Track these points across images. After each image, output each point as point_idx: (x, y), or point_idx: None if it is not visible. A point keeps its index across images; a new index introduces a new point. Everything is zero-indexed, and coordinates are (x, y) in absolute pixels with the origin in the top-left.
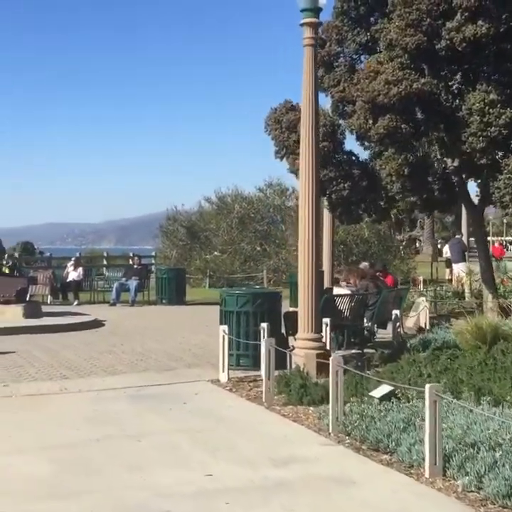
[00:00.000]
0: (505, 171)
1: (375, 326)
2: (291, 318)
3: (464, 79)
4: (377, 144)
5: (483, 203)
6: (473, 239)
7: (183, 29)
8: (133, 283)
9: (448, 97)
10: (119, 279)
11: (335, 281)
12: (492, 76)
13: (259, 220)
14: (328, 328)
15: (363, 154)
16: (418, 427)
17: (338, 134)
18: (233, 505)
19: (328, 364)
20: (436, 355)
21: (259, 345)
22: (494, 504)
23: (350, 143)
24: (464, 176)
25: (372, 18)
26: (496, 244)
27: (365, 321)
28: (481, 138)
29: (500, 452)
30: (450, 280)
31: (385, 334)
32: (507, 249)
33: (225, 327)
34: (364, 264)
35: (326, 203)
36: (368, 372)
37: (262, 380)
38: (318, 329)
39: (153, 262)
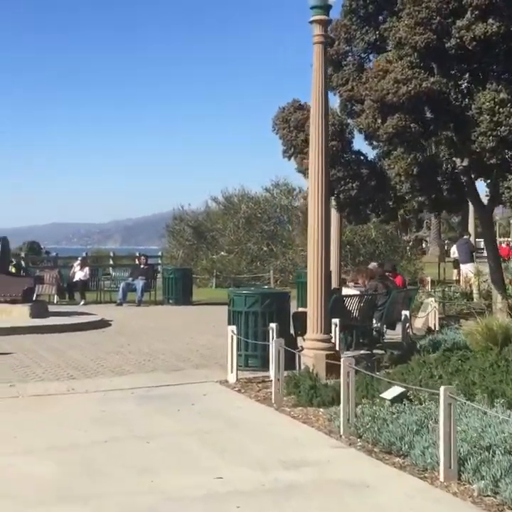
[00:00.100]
0: None
1: (384, 326)
2: (300, 319)
3: (474, 78)
4: (385, 144)
5: (493, 203)
6: (479, 239)
7: (183, 29)
8: (140, 283)
9: (457, 96)
10: (126, 279)
11: (342, 282)
12: (502, 75)
13: (265, 220)
14: (337, 328)
15: (371, 154)
16: (431, 430)
17: (347, 133)
18: (244, 509)
19: (338, 365)
20: (447, 357)
21: (268, 345)
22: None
23: (358, 142)
24: (473, 176)
25: (380, 17)
26: (504, 245)
27: (374, 321)
28: (490, 137)
29: None
30: (458, 281)
31: (393, 335)
32: None
33: (234, 327)
34: (373, 265)
35: (333, 202)
36: (377, 373)
37: (270, 380)
38: (327, 330)
39: (159, 261)
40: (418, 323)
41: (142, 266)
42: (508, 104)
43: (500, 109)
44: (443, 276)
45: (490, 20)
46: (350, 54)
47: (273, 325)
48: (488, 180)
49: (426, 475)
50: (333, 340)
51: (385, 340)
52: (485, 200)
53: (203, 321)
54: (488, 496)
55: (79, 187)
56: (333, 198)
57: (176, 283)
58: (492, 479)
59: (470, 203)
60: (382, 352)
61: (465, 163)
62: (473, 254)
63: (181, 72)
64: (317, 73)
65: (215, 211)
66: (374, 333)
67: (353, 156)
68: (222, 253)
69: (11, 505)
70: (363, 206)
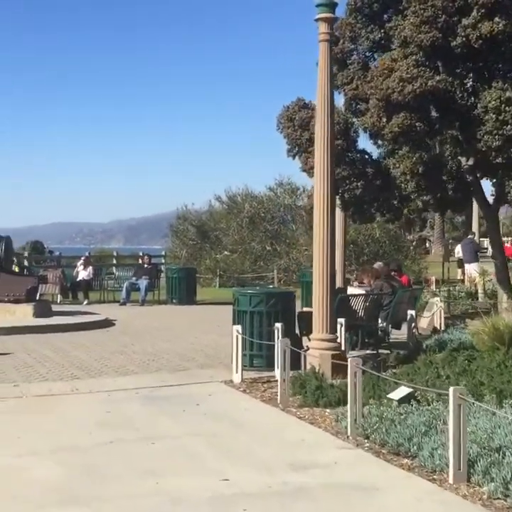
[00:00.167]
0: None
1: (390, 326)
2: (305, 318)
3: (480, 76)
4: (390, 143)
5: (498, 202)
6: (482, 239)
7: (183, 29)
8: (143, 282)
9: (463, 94)
10: (129, 279)
11: (346, 282)
12: (508, 73)
13: (269, 220)
14: (342, 328)
15: (376, 153)
16: (440, 431)
17: (351, 132)
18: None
19: (344, 365)
20: (454, 357)
21: (273, 345)
22: None
23: (363, 141)
24: (478, 175)
25: (386, 15)
26: (508, 244)
27: (379, 321)
28: (496, 136)
29: None
30: (462, 280)
31: (399, 335)
32: None
33: (239, 327)
34: (378, 264)
35: (338, 201)
36: (383, 373)
37: (275, 380)
38: (333, 329)
39: (162, 261)
40: (423, 322)
41: (146, 265)
42: None
43: (506, 108)
44: (447, 275)
45: (496, 19)
46: (354, 52)
47: (278, 325)
48: (494, 180)
49: (435, 477)
50: (338, 340)
51: (391, 340)
52: (490, 199)
53: (207, 320)
54: (498, 498)
55: (80, 187)
56: (337, 197)
57: (179, 283)
58: (502, 481)
59: (474, 203)
60: (388, 352)
61: (470, 162)
62: (478, 253)
63: (181, 72)
64: (323, 71)
65: (218, 210)
66: (379, 332)
67: (358, 155)
68: (226, 252)
69: (15, 508)
70: (367, 205)
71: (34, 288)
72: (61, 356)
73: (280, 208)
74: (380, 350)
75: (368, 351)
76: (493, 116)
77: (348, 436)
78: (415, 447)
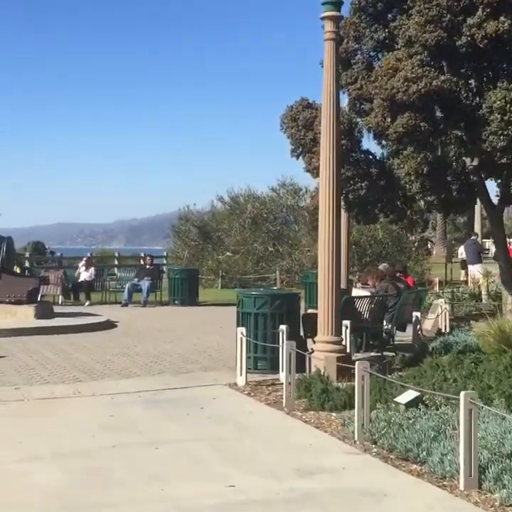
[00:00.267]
0: None
1: (394, 328)
2: (310, 320)
3: (485, 76)
4: (395, 143)
5: (503, 203)
6: (485, 240)
7: (183, 29)
8: (145, 283)
9: (468, 94)
10: (131, 280)
11: (349, 283)
12: None
13: (272, 221)
14: (348, 330)
15: (380, 153)
16: (449, 436)
17: (356, 132)
18: None
19: (350, 368)
20: (460, 359)
21: (277, 347)
22: None
23: (366, 141)
24: (483, 176)
25: (390, 15)
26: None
27: (384, 323)
28: (501, 137)
29: None
30: (465, 281)
31: (403, 337)
32: None
33: (243, 329)
34: (383, 265)
35: (342, 202)
36: (389, 376)
37: (280, 383)
38: (338, 332)
39: (164, 262)
40: (427, 324)
41: (148, 266)
42: None
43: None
44: (450, 276)
45: (501, 18)
46: (359, 52)
47: (283, 327)
48: (499, 180)
49: (445, 483)
50: (343, 343)
51: (395, 342)
52: (495, 200)
53: (210, 322)
54: (510, 505)
55: (81, 187)
56: (341, 197)
57: (182, 283)
58: None
59: (476, 204)
60: (393, 354)
61: (475, 162)
62: (481, 254)
63: (182, 72)
64: (328, 70)
65: (220, 211)
66: (384, 334)
67: (362, 155)
68: (228, 253)
69: None
70: (371, 206)
71: (35, 289)
72: (63, 358)
73: (283, 208)
74: (385, 353)
75: (372, 353)
76: (498, 116)
77: (355, 441)
78: (424, 453)
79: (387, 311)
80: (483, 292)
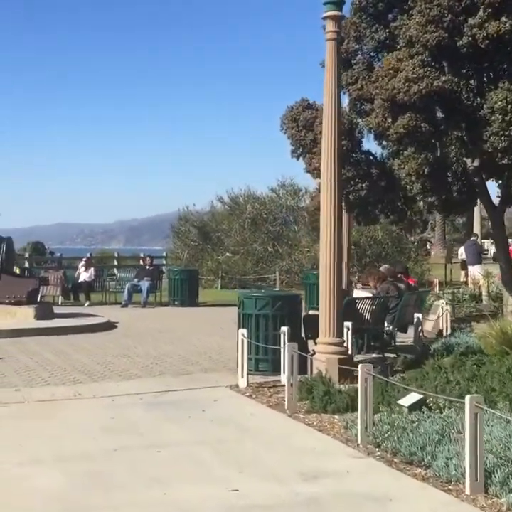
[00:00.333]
0: None
1: (395, 329)
2: (311, 322)
3: (486, 77)
4: (395, 143)
5: (504, 204)
6: (484, 240)
7: (183, 29)
8: (145, 284)
9: (469, 95)
10: (131, 280)
11: (349, 284)
12: None
13: (271, 221)
14: (349, 332)
15: (381, 153)
16: (454, 440)
17: (356, 132)
18: None
19: (352, 370)
20: (462, 361)
21: (279, 349)
22: None
23: (367, 142)
24: (484, 176)
25: (391, 15)
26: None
27: (385, 324)
28: (502, 137)
29: None
30: (465, 282)
31: (404, 338)
32: None
33: (245, 331)
34: (385, 267)
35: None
36: (391, 378)
37: (281, 385)
38: (339, 333)
39: (164, 262)
40: (428, 325)
41: (148, 267)
42: None
43: None
44: (449, 277)
45: (503, 18)
46: (359, 52)
47: (285, 328)
48: (500, 181)
49: (450, 487)
50: (345, 344)
51: (396, 344)
52: (496, 201)
53: (210, 322)
54: None
55: (81, 187)
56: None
57: (182, 284)
58: None
59: (476, 205)
60: (394, 355)
61: (476, 163)
62: (481, 255)
63: (182, 73)
64: (330, 70)
65: (220, 212)
66: (385, 336)
67: (363, 156)
68: (228, 254)
69: None
70: (371, 207)
71: (35, 290)
72: (63, 360)
73: (282, 209)
74: (386, 354)
75: (373, 355)
76: (500, 117)
77: (358, 444)
78: (429, 456)
79: (389, 313)
80: (484, 293)
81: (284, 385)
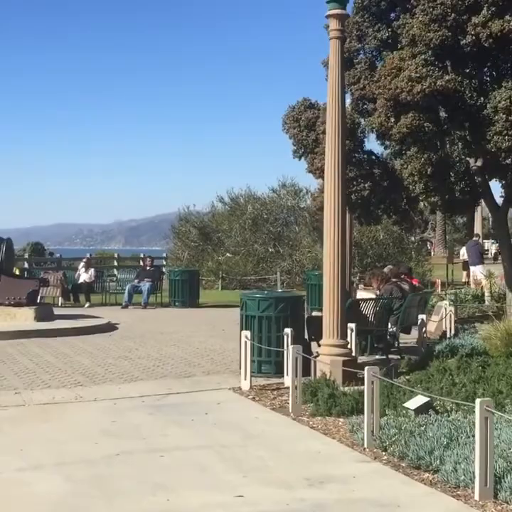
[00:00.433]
0: None
1: (399, 330)
2: (315, 323)
3: (490, 76)
4: (398, 143)
5: (508, 204)
6: (485, 241)
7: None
8: (146, 285)
9: (472, 94)
10: (132, 281)
11: (350, 285)
12: None
13: (272, 221)
14: (353, 333)
15: (384, 153)
16: (462, 444)
17: (358, 132)
18: None
19: (356, 372)
20: (468, 363)
21: (282, 351)
22: None
23: (369, 142)
24: (487, 176)
25: (393, 14)
26: None
27: (389, 325)
28: (506, 137)
29: None
30: (467, 283)
31: (407, 339)
32: None
33: (248, 333)
34: (388, 268)
35: None
36: (396, 380)
37: (285, 387)
38: (343, 335)
39: (164, 263)
40: (431, 326)
41: (148, 268)
42: None
43: None
44: (451, 278)
45: (507, 17)
46: (361, 52)
47: (288, 330)
48: (503, 181)
49: (459, 493)
50: (349, 346)
51: (400, 345)
52: (499, 200)
53: (211, 323)
54: None
55: (79, 187)
56: None
57: (182, 285)
58: None
59: (479, 205)
60: (397, 357)
61: (479, 163)
62: (483, 255)
63: (182, 72)
64: (333, 69)
65: (220, 212)
66: (388, 337)
67: (365, 156)
68: (228, 254)
69: None
70: (374, 207)
71: (35, 291)
72: (64, 362)
73: (283, 209)
74: (390, 356)
75: (377, 356)
76: (503, 116)
77: (364, 448)
78: (437, 461)
79: (392, 314)
80: (486, 294)
81: (287, 388)
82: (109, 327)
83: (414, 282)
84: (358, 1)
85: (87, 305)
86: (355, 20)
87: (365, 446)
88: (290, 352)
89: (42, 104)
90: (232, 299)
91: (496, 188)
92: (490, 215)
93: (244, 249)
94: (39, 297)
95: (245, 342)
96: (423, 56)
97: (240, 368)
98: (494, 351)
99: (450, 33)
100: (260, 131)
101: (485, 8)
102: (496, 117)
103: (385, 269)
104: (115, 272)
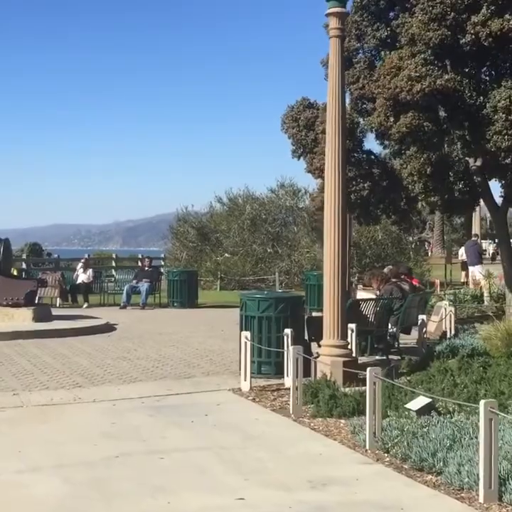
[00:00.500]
0: None
1: (399, 331)
2: (315, 324)
3: (489, 75)
4: (397, 143)
5: (507, 204)
6: (483, 241)
7: (183, 30)
8: (144, 285)
9: (472, 94)
10: (130, 282)
11: (349, 285)
12: None
13: (270, 222)
14: (353, 334)
15: (382, 153)
16: (466, 445)
17: (358, 132)
18: None
19: (357, 372)
20: (468, 363)
21: (282, 352)
22: None
23: (368, 141)
24: (486, 176)
25: (392, 13)
26: None
27: (389, 326)
28: (506, 136)
29: None
30: (466, 283)
31: (407, 340)
32: None
33: (248, 333)
34: (388, 268)
35: None
36: (397, 380)
37: (285, 388)
38: (344, 335)
39: (162, 263)
40: (431, 327)
41: (146, 268)
42: None
43: None
44: (449, 278)
45: (506, 16)
46: (360, 51)
47: (288, 331)
48: (503, 181)
49: (463, 495)
50: (349, 347)
51: (400, 345)
52: (499, 200)
53: (210, 324)
54: None
55: (77, 187)
56: None
57: (181, 285)
58: None
59: (478, 205)
60: (398, 357)
61: (478, 162)
62: (482, 255)
63: (181, 73)
64: (333, 68)
65: (219, 212)
66: (388, 337)
67: (364, 156)
68: (227, 255)
69: None
70: (373, 207)
71: (33, 291)
72: (62, 363)
73: (282, 209)
74: (390, 356)
75: (377, 357)
76: (503, 115)
77: (366, 450)
78: (440, 463)
79: (393, 314)
80: (485, 294)
81: (287, 389)
82: (108, 328)
83: (414, 282)
84: (357, 0)
85: (85, 306)
86: (354, 19)
87: (367, 447)
88: (290, 353)
89: (42, 104)
90: (230, 300)
91: (496, 187)
92: (488, 215)
93: (242, 249)
94: (37, 298)
95: (245, 342)
96: (422, 55)
97: (240, 369)
98: (495, 352)
99: (449, 32)
100: (259, 131)
101: (484, 7)
102: (496, 117)
103: (385, 270)
104: (113, 272)
